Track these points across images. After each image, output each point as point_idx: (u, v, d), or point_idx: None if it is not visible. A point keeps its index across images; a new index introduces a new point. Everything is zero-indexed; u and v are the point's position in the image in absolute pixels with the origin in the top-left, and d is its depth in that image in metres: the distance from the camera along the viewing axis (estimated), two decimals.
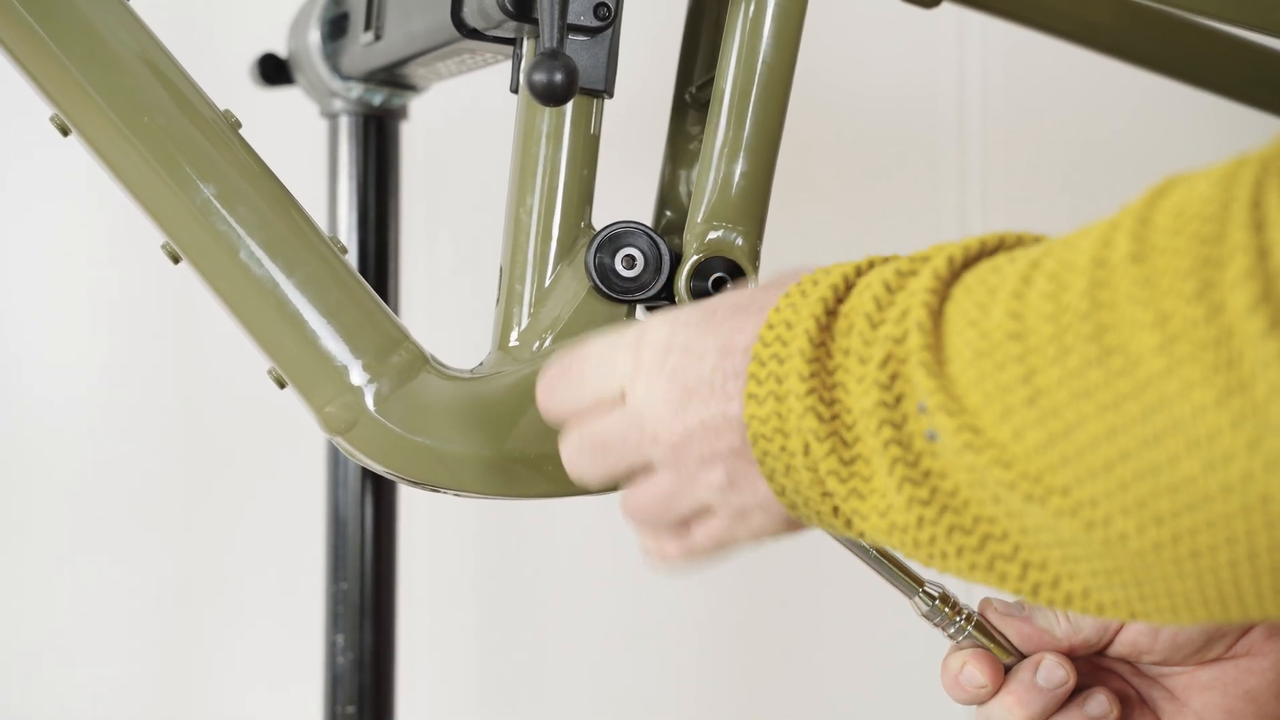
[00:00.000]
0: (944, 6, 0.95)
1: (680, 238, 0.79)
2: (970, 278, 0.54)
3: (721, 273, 0.77)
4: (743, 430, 0.59)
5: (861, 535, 0.57)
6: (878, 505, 0.55)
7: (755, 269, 0.78)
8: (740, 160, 0.78)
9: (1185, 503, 0.46)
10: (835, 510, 0.57)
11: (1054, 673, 0.67)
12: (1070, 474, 0.48)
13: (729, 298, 0.62)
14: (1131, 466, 0.47)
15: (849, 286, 0.58)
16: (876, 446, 0.54)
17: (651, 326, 0.62)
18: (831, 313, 0.57)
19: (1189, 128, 1.49)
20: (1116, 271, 0.47)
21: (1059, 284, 0.49)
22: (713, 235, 0.78)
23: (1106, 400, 0.47)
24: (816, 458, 0.56)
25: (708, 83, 0.82)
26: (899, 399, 0.54)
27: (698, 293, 0.77)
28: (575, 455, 0.67)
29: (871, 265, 0.59)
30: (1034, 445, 0.49)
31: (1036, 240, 0.56)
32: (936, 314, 0.54)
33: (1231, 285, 0.44)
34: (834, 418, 0.56)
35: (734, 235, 0.78)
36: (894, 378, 0.54)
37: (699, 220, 0.78)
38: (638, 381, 0.62)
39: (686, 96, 0.87)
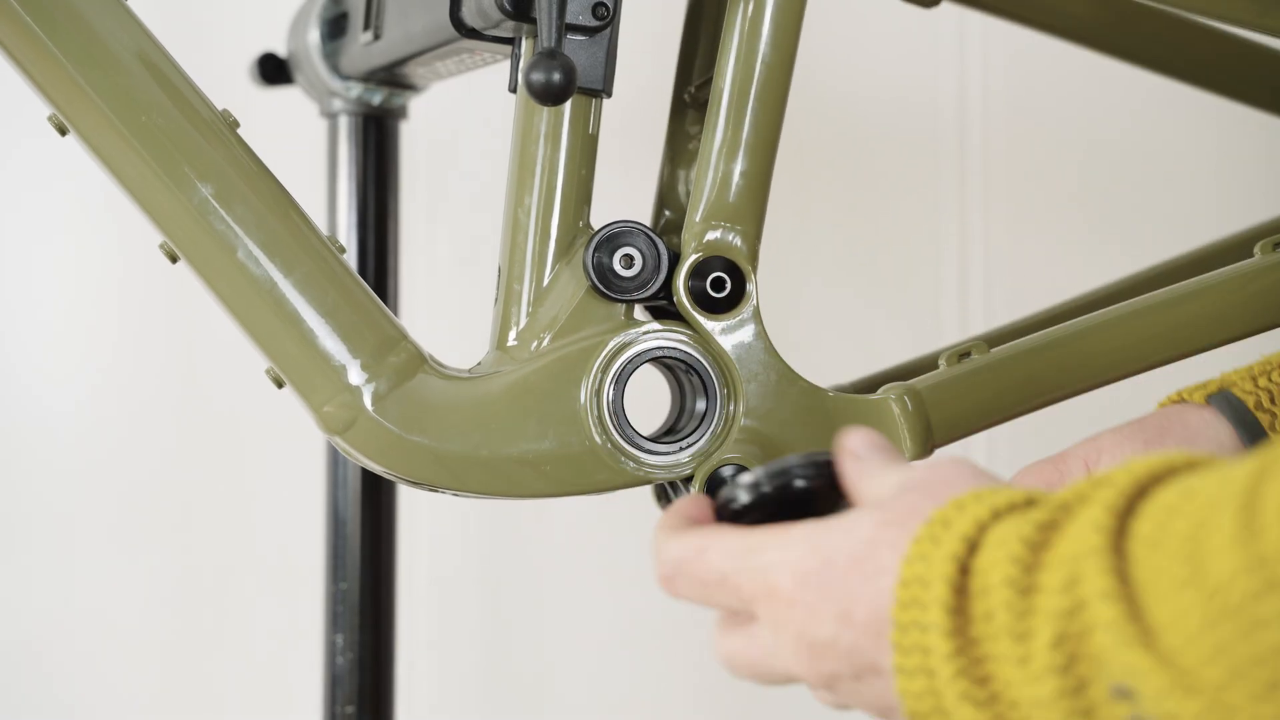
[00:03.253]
0: (944, 6, 0.95)
1: (679, 237, 0.79)
2: (1145, 528, 0.47)
3: (720, 272, 0.77)
4: (881, 698, 0.55)
5: None
6: None
7: (754, 269, 0.78)
8: (739, 160, 0.78)
9: None
10: None
11: None
12: None
13: (849, 539, 0.56)
14: None
15: (981, 532, 0.52)
16: None
17: (774, 565, 0.57)
18: (965, 570, 0.51)
19: (1189, 131, 1.49)
20: None
21: None
22: (711, 235, 0.78)
23: None
24: None
25: (706, 82, 0.82)
26: (1082, 685, 0.47)
27: (696, 292, 0.77)
28: (723, 644, 0.61)
29: (996, 514, 0.52)
30: None
31: (1189, 466, 0.49)
32: (1124, 578, 0.47)
33: None
34: (992, 699, 0.50)
35: (733, 235, 0.78)
36: (1073, 659, 0.47)
37: (697, 220, 0.78)
38: (764, 626, 0.58)
39: (685, 96, 0.87)
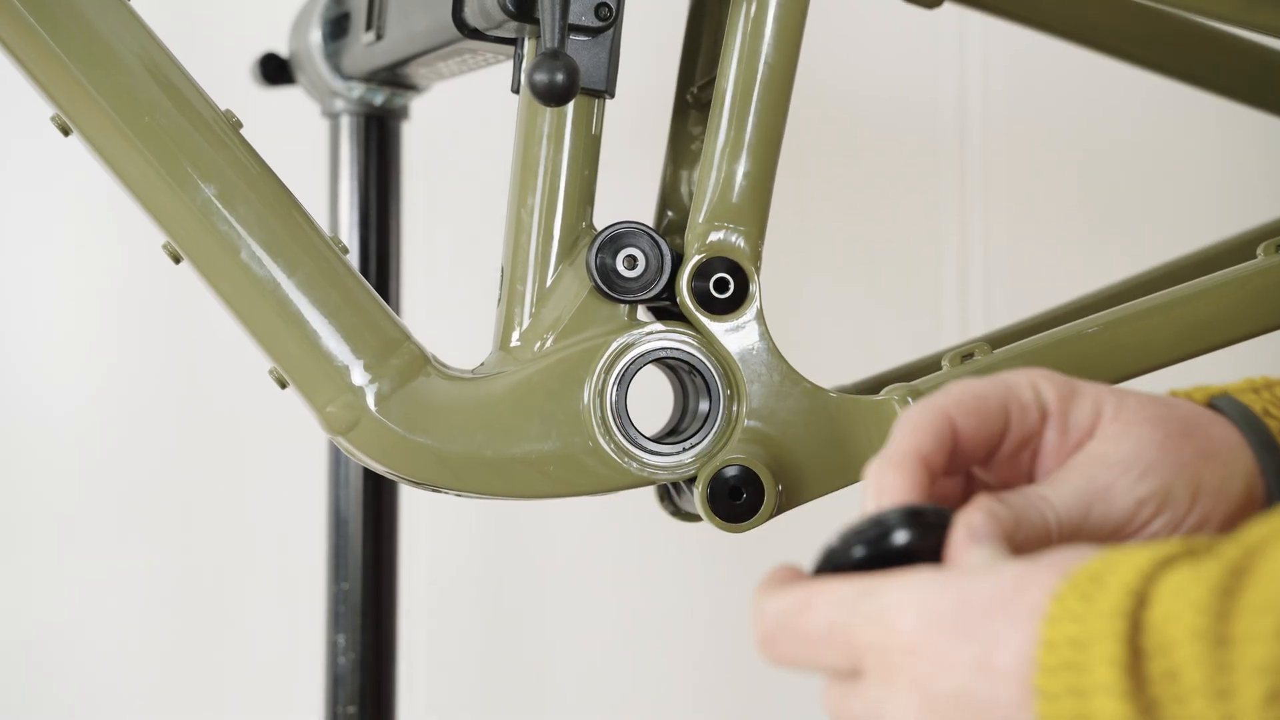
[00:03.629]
0: (945, 7, 0.95)
1: (682, 238, 0.79)
2: None
3: (723, 273, 0.77)
4: None
5: None
6: None
7: (757, 269, 0.78)
8: (742, 160, 0.78)
9: None
10: None
11: None
12: None
13: (989, 578, 0.50)
14: None
15: (1147, 584, 0.47)
16: None
17: (894, 606, 0.51)
18: (1136, 625, 0.46)
19: (1189, 132, 1.49)
20: None
21: None
22: (714, 236, 0.78)
23: None
24: None
25: (709, 83, 0.82)
26: None
27: (699, 293, 0.77)
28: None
29: (1160, 563, 0.47)
30: None
31: None
32: None
33: None
34: None
35: (736, 236, 0.78)
36: None
37: (700, 220, 0.78)
38: (872, 679, 0.52)
39: (688, 97, 0.87)
